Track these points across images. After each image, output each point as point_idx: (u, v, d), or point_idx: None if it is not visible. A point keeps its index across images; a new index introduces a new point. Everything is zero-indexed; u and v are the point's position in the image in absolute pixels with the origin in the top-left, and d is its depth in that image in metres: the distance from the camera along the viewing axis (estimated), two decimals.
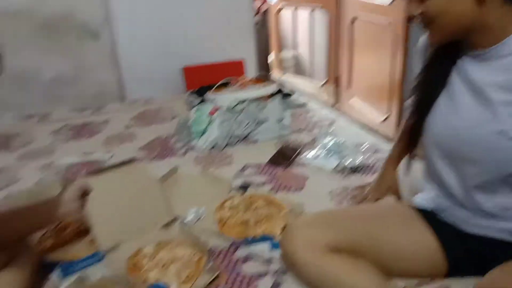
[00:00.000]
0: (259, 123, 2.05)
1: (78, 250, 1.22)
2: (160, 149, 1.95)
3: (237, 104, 2.11)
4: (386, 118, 2.08)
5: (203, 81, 2.65)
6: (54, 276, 1.14)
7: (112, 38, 2.61)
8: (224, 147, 1.92)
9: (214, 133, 1.95)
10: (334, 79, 2.61)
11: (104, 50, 2.61)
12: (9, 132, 2.16)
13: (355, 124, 2.21)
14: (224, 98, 2.17)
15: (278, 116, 2.08)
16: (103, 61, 2.63)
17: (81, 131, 2.20)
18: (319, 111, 2.43)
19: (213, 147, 1.93)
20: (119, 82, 2.73)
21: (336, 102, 2.59)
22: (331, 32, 2.59)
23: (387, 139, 1.99)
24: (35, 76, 2.49)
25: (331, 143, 1.82)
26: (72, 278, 1.10)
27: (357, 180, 1.60)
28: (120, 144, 2.03)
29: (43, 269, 1.14)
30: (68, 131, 2.21)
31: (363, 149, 1.83)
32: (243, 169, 1.73)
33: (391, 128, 2.04)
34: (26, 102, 2.49)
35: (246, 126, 2.00)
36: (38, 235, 1.26)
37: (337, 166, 1.67)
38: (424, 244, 1.00)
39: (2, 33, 2.35)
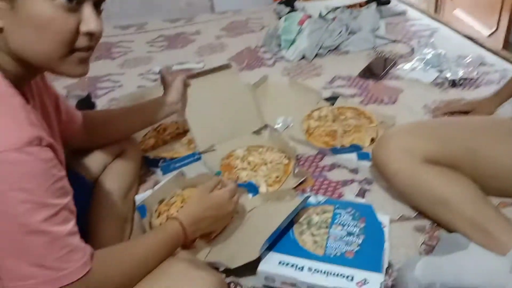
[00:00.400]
0: (352, 32, 1.95)
1: (178, 149, 1.33)
2: (249, 59, 1.96)
3: (328, 12, 2.01)
4: (493, 33, 1.85)
5: None
6: (157, 170, 1.26)
7: None
8: (314, 57, 1.88)
9: (303, 43, 1.90)
10: None
11: None
12: (110, 40, 2.31)
13: (457, 36, 2.00)
14: (315, 6, 2.07)
15: (373, 25, 1.95)
16: None
17: (175, 40, 2.27)
18: (418, 20, 2.22)
19: (302, 58, 1.89)
20: None
21: (437, 12, 2.34)
22: None
23: (494, 53, 1.78)
24: None
25: (430, 55, 1.69)
26: (173, 174, 1.22)
27: (456, 94, 1.49)
28: (210, 54, 2.07)
29: (145, 164, 1.27)
30: (162, 40, 2.29)
31: (466, 62, 1.67)
32: (333, 80, 1.69)
33: (498, 43, 1.82)
34: (124, 11, 2.61)
35: (338, 36, 1.92)
36: (141, 134, 1.38)
37: (435, 79, 1.56)
38: None
39: None
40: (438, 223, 0.98)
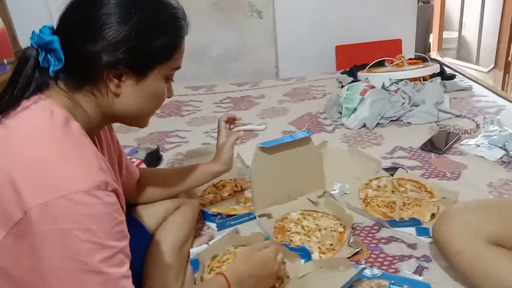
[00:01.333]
0: (415, 105, 1.96)
1: (235, 207, 1.37)
2: (309, 124, 2.01)
3: (391, 84, 2.04)
4: None
5: (355, 60, 2.63)
6: (213, 225, 1.30)
7: (274, 17, 2.75)
8: (374, 127, 1.89)
9: (364, 112, 1.93)
10: (504, 64, 2.31)
11: (266, 28, 2.77)
12: (181, 100, 2.48)
13: None
14: (377, 77, 2.11)
15: (437, 99, 1.95)
16: (264, 39, 2.80)
17: (240, 103, 2.40)
18: (484, 97, 2.19)
19: (362, 127, 1.91)
20: (275, 60, 2.87)
21: (504, 89, 2.30)
22: (504, 13, 2.28)
23: None
24: (207, 50, 2.78)
25: (495, 132, 1.65)
26: (228, 230, 1.25)
27: None
28: (272, 117, 2.15)
29: (203, 218, 1.32)
30: (229, 102, 2.43)
31: None
32: (393, 151, 1.69)
33: None
34: (197, 74, 2.82)
35: (400, 107, 1.93)
36: (201, 188, 1.44)
37: (501, 157, 1.50)
38: None
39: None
40: None
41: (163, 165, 1.70)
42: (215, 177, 1.19)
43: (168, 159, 1.76)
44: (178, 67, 0.80)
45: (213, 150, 1.70)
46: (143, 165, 1.57)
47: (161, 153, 1.76)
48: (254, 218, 1.32)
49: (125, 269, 0.65)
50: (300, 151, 1.33)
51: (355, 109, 1.97)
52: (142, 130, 2.07)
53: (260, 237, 1.20)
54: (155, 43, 0.73)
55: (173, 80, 0.83)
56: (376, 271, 1.01)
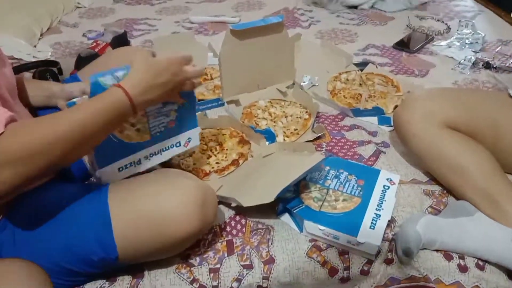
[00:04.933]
0: None
1: (204, 93, 1.36)
2: (285, 19, 1.95)
3: None
4: None
5: None
6: None
7: None
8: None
9: None
10: None
11: None
12: None
13: (500, 20, 1.93)
14: None
15: None
16: None
17: None
18: (463, 1, 2.15)
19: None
20: None
21: None
22: None
23: None
24: None
25: (468, 35, 1.65)
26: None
27: (489, 76, 1.46)
28: (247, 10, 2.07)
29: None
30: None
31: (506, 47, 1.63)
32: (366, 47, 1.68)
33: None
34: None
35: None
36: None
37: (469, 58, 1.52)
38: None
39: None
40: (448, 190, 0.99)
41: None
42: (55, 98, 0.97)
43: (136, 45, 1.70)
44: None
45: (183, 38, 1.66)
46: (109, 48, 1.51)
47: (129, 39, 1.69)
48: (223, 104, 1.32)
49: None
50: (272, 38, 1.30)
51: None
52: (109, 16, 1.98)
53: (226, 120, 1.22)
54: None
55: None
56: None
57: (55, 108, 0.97)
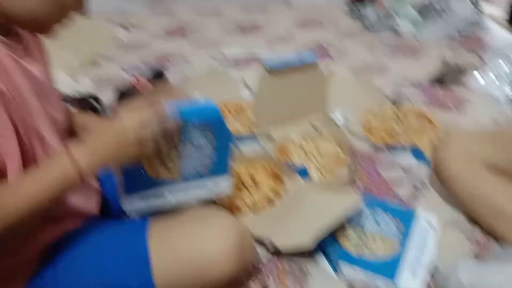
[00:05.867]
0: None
1: (237, 127, 1.38)
2: (317, 53, 1.97)
3: None
4: None
5: None
6: None
7: None
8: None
9: None
10: None
11: None
12: (187, 22, 2.41)
13: None
14: None
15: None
16: None
17: (247, 28, 2.33)
18: (499, 33, 2.12)
19: None
20: None
21: None
22: None
23: None
24: None
25: (506, 70, 1.62)
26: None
27: None
28: (280, 44, 2.11)
29: None
30: (236, 26, 2.36)
31: None
32: (400, 82, 1.67)
33: None
34: None
35: None
36: None
37: (507, 94, 1.49)
38: None
39: None
40: (490, 233, 0.95)
41: None
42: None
43: (172, 79, 1.74)
44: None
45: (217, 72, 1.71)
46: (148, 84, 1.56)
47: (166, 73, 1.75)
48: (256, 139, 1.33)
49: None
50: (306, 74, 1.32)
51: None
52: (147, 50, 2.05)
53: (261, 155, 1.23)
54: None
55: None
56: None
57: None
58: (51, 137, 0.74)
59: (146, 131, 0.67)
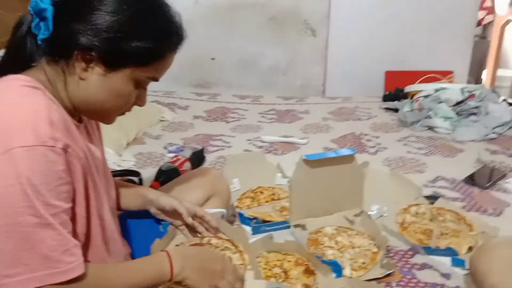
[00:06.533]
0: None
1: (271, 214, 1.40)
2: (352, 144, 2.02)
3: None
4: None
5: (403, 87, 2.62)
6: (248, 228, 1.33)
7: (327, 36, 2.79)
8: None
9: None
10: None
11: (317, 46, 2.82)
12: (228, 107, 2.56)
13: None
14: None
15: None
16: (314, 56, 2.84)
17: (284, 116, 2.44)
18: None
19: None
20: (323, 78, 2.90)
21: None
22: None
23: None
24: (257, 61, 2.86)
25: None
26: (262, 235, 1.27)
27: None
28: (315, 132, 2.18)
29: (239, 220, 1.36)
30: (273, 114, 2.48)
31: None
32: (435, 179, 1.67)
33: None
34: (245, 83, 2.89)
35: None
36: (239, 193, 1.50)
37: None
38: None
39: (237, 22, 2.77)
40: None
41: (206, 165, 1.76)
42: (149, 205, 1.07)
43: (210, 160, 1.82)
44: (155, 78, 0.79)
45: (254, 157, 1.77)
46: (188, 163, 1.63)
47: (205, 154, 1.83)
48: (289, 227, 1.34)
49: (69, 229, 0.67)
50: (343, 167, 1.35)
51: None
52: (189, 131, 2.17)
53: (293, 245, 1.22)
54: (135, 43, 0.72)
55: (145, 89, 0.82)
56: None
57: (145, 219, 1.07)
58: (108, 216, 0.81)
59: (232, 274, 0.89)
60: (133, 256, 1.00)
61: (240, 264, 1.03)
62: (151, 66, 0.76)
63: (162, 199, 1.07)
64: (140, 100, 0.82)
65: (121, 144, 1.94)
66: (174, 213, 1.07)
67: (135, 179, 1.55)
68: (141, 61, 0.74)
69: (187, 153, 1.68)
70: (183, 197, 1.12)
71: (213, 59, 2.88)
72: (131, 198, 1.06)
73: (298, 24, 2.77)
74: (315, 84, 2.91)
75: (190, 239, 1.12)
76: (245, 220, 1.36)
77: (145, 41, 0.73)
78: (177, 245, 1.04)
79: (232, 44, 2.83)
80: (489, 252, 0.96)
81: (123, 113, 0.82)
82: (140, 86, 0.79)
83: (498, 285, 0.91)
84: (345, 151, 1.33)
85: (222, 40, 2.82)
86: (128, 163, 1.79)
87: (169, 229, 1.09)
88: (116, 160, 1.81)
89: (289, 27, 2.79)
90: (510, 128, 2.17)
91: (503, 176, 1.68)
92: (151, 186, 1.46)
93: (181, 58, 0.84)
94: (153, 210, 1.07)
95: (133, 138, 2.04)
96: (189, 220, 1.06)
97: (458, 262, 1.16)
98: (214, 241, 1.07)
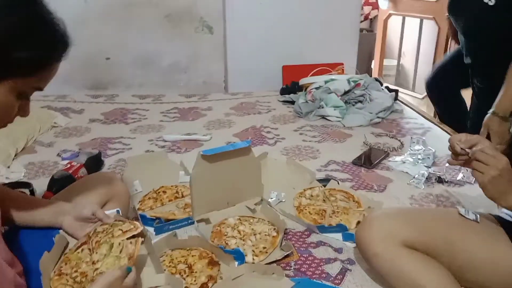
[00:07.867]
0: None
1: (174, 212, 1.40)
2: (253, 137, 2.09)
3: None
4: None
5: (299, 79, 2.77)
6: (151, 229, 1.32)
7: (224, 33, 2.84)
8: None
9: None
10: None
11: (216, 43, 2.85)
12: (127, 107, 2.48)
13: (447, 136, 2.13)
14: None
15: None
16: (214, 53, 2.87)
17: (187, 113, 2.44)
18: (413, 119, 2.38)
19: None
20: (225, 74, 2.95)
21: (435, 116, 2.53)
22: (438, 44, 2.52)
23: None
24: (156, 60, 2.81)
25: (420, 151, 1.81)
26: (165, 234, 1.27)
27: (442, 189, 1.58)
28: (218, 128, 2.22)
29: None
30: (176, 112, 2.46)
31: None
32: (327, 164, 1.80)
33: None
34: (145, 83, 2.83)
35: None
36: (141, 194, 1.48)
37: (423, 173, 1.65)
38: (506, 262, 0.99)
39: (132, 20, 2.70)
40: None
41: (104, 170, 1.70)
42: (59, 224, 1.00)
43: (109, 164, 1.76)
44: (39, 88, 0.76)
45: (155, 157, 1.75)
46: (83, 170, 1.57)
47: (103, 158, 1.76)
48: (193, 223, 1.36)
49: None
50: (240, 160, 1.40)
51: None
52: (85, 135, 2.07)
53: (196, 240, 1.24)
54: (17, 54, 0.69)
55: (29, 99, 0.78)
56: None
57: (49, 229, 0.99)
58: None
59: None
60: (25, 273, 0.93)
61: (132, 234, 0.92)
62: (35, 77, 0.73)
63: (79, 205, 1.01)
64: (23, 111, 0.77)
65: (9, 155, 1.80)
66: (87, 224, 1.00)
67: (26, 191, 1.45)
68: (24, 73, 0.71)
69: (82, 159, 1.61)
70: (78, 203, 1.07)
71: (108, 58, 2.77)
72: (40, 209, 0.98)
73: (194, 22, 2.78)
74: (217, 81, 2.95)
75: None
76: (147, 221, 1.35)
77: (28, 51, 0.69)
78: (65, 254, 0.98)
79: (128, 43, 2.75)
80: (370, 225, 1.06)
81: (5, 125, 0.77)
82: (22, 96, 0.75)
83: (379, 252, 1.02)
84: (241, 144, 1.38)
85: (117, 39, 2.73)
86: (17, 175, 1.67)
87: (56, 239, 0.97)
88: (4, 172, 1.67)
89: (186, 25, 2.78)
90: (391, 112, 2.40)
91: (387, 155, 1.86)
92: (44, 197, 1.38)
93: (72, 59, 0.81)
94: (67, 223, 0.98)
95: (22, 147, 1.89)
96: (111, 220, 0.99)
97: (348, 237, 1.28)
98: (100, 228, 0.96)
